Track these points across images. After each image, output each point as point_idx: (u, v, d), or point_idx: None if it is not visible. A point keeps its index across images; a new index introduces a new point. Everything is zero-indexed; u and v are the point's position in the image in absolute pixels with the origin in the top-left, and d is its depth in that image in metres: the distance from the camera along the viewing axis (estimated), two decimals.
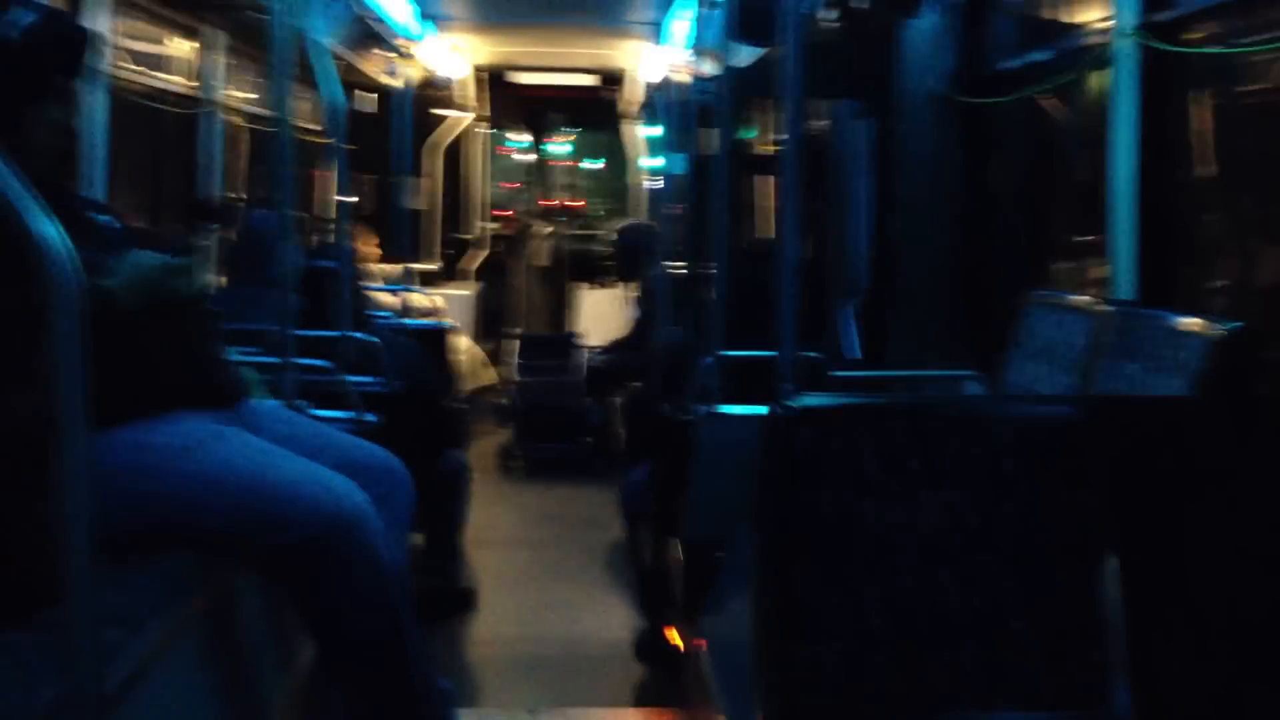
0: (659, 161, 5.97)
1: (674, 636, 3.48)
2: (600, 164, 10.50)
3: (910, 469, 1.99)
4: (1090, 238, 3.55)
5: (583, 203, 10.47)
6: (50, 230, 1.53)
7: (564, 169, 10.56)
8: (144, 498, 2.29)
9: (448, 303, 8.01)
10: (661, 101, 6.00)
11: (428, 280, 8.52)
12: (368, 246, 7.65)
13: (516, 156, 10.49)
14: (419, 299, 6.78)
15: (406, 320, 5.54)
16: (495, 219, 10.16)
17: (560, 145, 10.51)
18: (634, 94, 9.09)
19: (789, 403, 2.06)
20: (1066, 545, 1.97)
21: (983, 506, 1.99)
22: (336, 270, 3.76)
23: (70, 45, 2.42)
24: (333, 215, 4.80)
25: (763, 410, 2.10)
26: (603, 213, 10.33)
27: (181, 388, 2.43)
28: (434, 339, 5.44)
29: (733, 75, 3.48)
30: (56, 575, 1.59)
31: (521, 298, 9.49)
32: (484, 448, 7.09)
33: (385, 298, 6.30)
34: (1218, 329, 2.28)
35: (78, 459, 1.57)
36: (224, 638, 2.51)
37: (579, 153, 10.55)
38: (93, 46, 2.53)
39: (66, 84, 2.42)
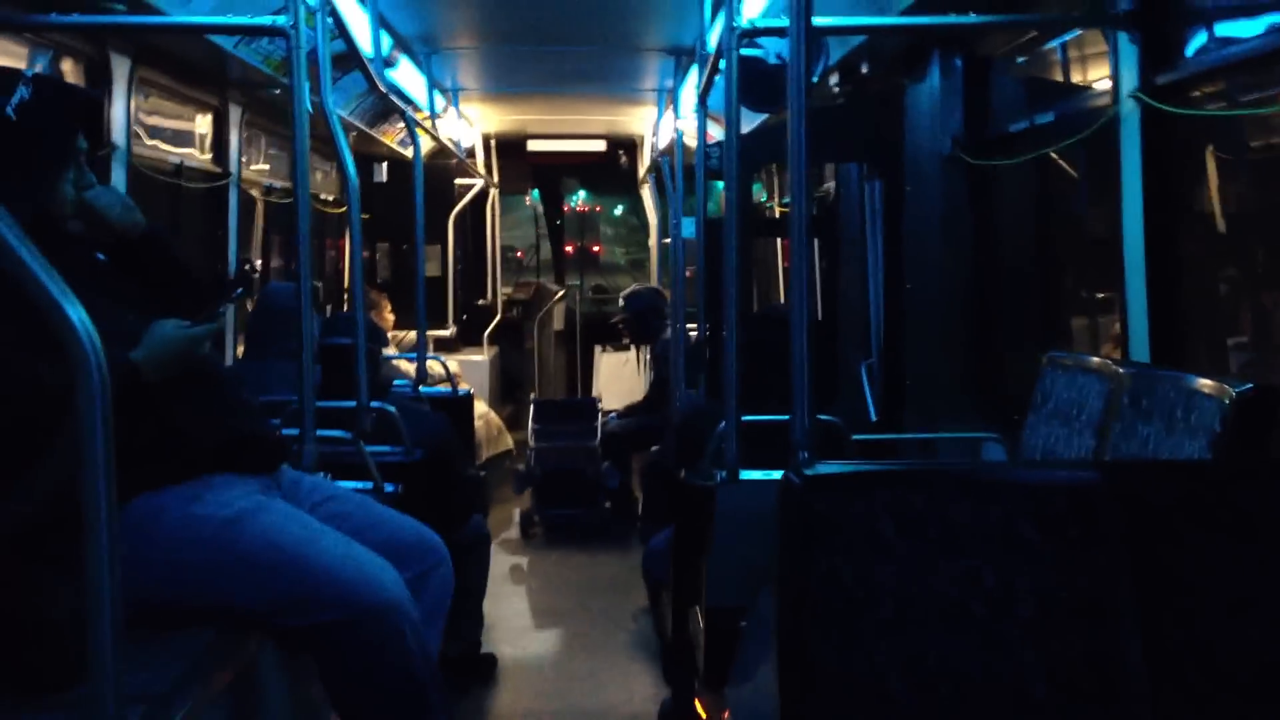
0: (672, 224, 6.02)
1: (699, 707, 3.45)
2: (619, 210, 10.62)
3: (928, 535, 1.99)
4: (1102, 294, 3.56)
5: (600, 248, 10.56)
6: (74, 313, 1.55)
7: (582, 217, 10.68)
8: (183, 568, 2.30)
9: (464, 368, 8.05)
10: (670, 166, 6.06)
11: (444, 346, 8.57)
12: (382, 313, 7.70)
13: (529, 202, 10.60)
14: (436, 366, 6.81)
15: (424, 388, 5.56)
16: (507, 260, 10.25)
17: (580, 198, 10.65)
18: (646, 158, 9.19)
19: (804, 470, 2.06)
20: (1086, 610, 1.96)
21: (1002, 572, 1.98)
22: (353, 341, 3.78)
23: (82, 113, 2.46)
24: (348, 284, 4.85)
25: (779, 475, 2.11)
26: (623, 263, 10.41)
27: (222, 449, 2.44)
28: (452, 406, 5.46)
29: (739, 140, 3.52)
30: (81, 655, 1.60)
31: (537, 362, 9.52)
32: (503, 514, 7.08)
33: (403, 365, 6.33)
34: (1233, 390, 2.28)
35: (104, 539, 1.58)
36: (247, 714, 2.50)
37: (598, 200, 10.68)
38: (102, 113, 2.56)
39: (90, 151, 2.47)
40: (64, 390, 1.56)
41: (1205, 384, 2.37)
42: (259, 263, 6.01)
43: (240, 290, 5.38)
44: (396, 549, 2.52)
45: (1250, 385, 2.28)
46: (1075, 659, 1.94)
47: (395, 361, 6.45)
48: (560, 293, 9.85)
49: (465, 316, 9.61)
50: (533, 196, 10.53)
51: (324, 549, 2.38)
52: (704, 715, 3.30)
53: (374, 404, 3.74)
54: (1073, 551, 1.97)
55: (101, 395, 1.56)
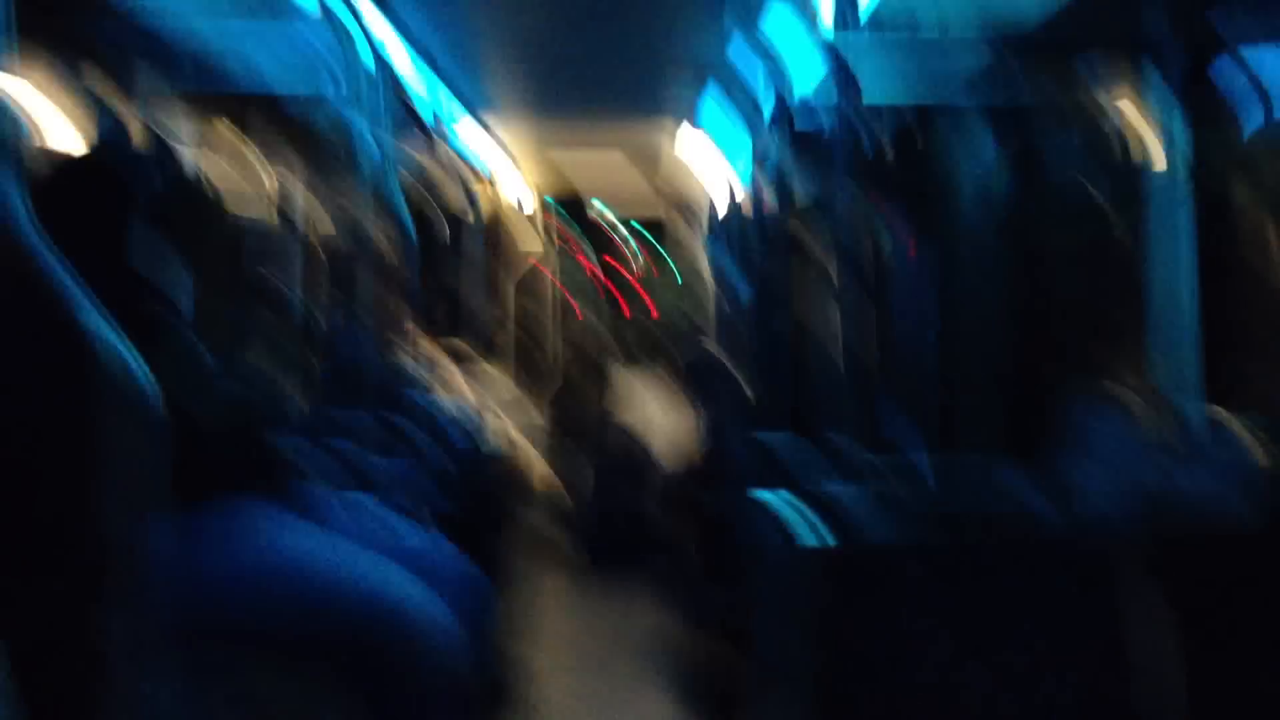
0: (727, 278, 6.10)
1: None
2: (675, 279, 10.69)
3: (967, 602, 1.98)
4: (1139, 337, 3.56)
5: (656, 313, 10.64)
6: (125, 352, 1.62)
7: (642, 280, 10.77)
8: (196, 592, 2.31)
9: (520, 419, 8.12)
10: (722, 226, 6.14)
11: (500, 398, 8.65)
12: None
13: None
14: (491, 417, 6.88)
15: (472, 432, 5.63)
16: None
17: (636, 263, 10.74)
18: (702, 218, 9.29)
19: (839, 537, 2.07)
20: (1133, 674, 1.94)
21: (1043, 633, 1.97)
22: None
23: (204, 208, 2.57)
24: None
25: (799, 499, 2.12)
26: (678, 325, 10.45)
27: (235, 472, 2.46)
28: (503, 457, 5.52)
29: (789, 202, 3.60)
30: (99, 675, 1.64)
31: (591, 410, 9.57)
32: (543, 551, 7.10)
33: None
34: (1272, 434, 2.28)
35: (125, 555, 1.62)
36: None
37: (657, 268, 10.77)
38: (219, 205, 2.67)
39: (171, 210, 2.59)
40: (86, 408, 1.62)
41: (1241, 425, 2.37)
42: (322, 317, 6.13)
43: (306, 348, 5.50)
44: (419, 563, 2.52)
45: None
46: None
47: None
48: (617, 350, 9.93)
49: (525, 373, 9.71)
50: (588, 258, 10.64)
51: (343, 563, 2.38)
52: None
53: (398, 420, 3.79)
54: (1117, 614, 1.96)
55: (130, 415, 1.62)
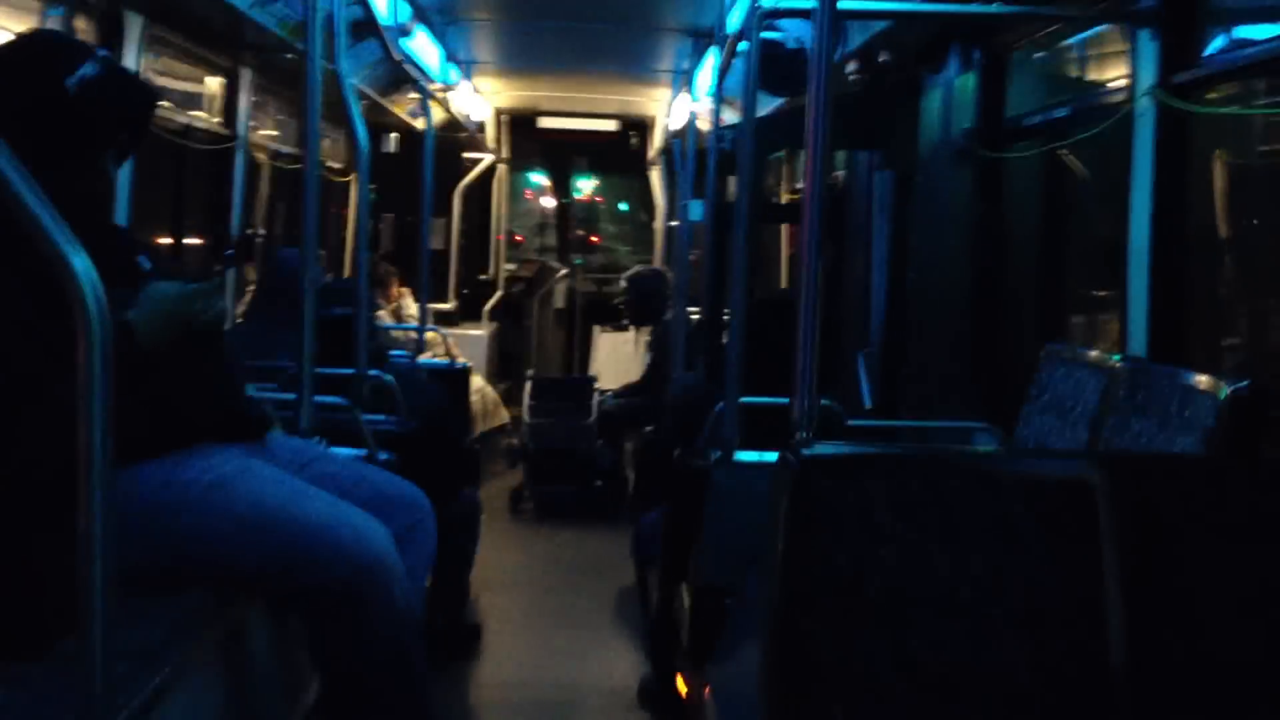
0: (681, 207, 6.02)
1: (680, 684, 3.47)
2: (625, 208, 10.60)
3: (923, 521, 1.99)
4: (1104, 292, 3.57)
5: (598, 239, 10.56)
6: (80, 263, 1.55)
7: (587, 206, 10.67)
8: (170, 534, 2.30)
9: (463, 342, 8.05)
10: (682, 148, 6.04)
11: (444, 319, 8.56)
12: (390, 289, 7.70)
13: (544, 201, 10.58)
14: (435, 338, 6.81)
15: (423, 359, 5.56)
16: (514, 246, 10.24)
17: (586, 183, 10.62)
18: (658, 140, 9.18)
19: (803, 451, 2.07)
20: (1077, 601, 1.97)
21: (994, 560, 1.99)
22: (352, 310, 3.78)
23: (135, 102, 2.44)
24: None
25: (775, 457, 2.11)
26: (625, 253, 10.41)
27: (208, 420, 2.45)
28: (450, 378, 5.47)
29: (754, 124, 3.51)
30: (73, 607, 1.61)
31: (537, 339, 9.53)
32: (495, 488, 7.10)
33: (403, 336, 6.33)
34: (1227, 387, 2.29)
35: (101, 493, 1.58)
36: (233, 673, 2.51)
37: (605, 192, 10.66)
38: (156, 105, 2.55)
39: (130, 141, 2.46)
40: (61, 345, 1.57)
41: (1198, 380, 2.38)
42: (262, 230, 5.99)
43: (242, 254, 5.38)
44: (382, 504, 2.54)
45: (1244, 383, 2.28)
46: (1064, 650, 1.95)
47: (394, 332, 6.45)
48: (563, 271, 9.83)
49: (466, 291, 9.61)
50: (532, 186, 10.50)
51: (312, 508, 2.39)
52: (684, 691, 3.32)
53: (372, 373, 3.74)
54: (1064, 543, 1.98)
55: (102, 346, 1.56)
